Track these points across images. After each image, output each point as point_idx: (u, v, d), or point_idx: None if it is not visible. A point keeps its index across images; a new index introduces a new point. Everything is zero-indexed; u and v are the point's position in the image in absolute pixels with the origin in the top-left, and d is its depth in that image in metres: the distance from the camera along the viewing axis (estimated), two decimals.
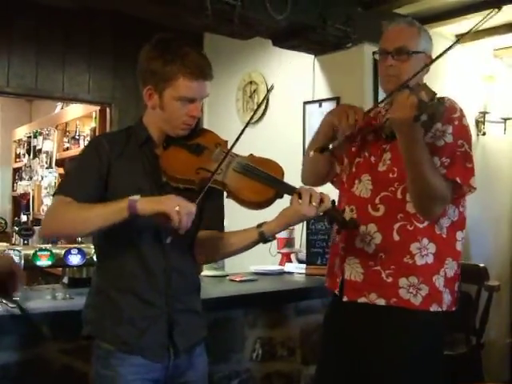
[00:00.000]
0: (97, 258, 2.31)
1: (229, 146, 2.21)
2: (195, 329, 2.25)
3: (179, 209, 1.91)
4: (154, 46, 2.16)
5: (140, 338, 2.12)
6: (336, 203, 2.22)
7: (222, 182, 2.14)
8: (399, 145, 2.21)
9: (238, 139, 2.14)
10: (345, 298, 2.40)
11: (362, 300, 2.36)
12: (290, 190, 2.14)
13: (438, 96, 2.12)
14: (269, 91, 2.20)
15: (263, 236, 2.17)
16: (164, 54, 2.12)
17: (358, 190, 2.43)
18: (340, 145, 2.42)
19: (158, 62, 2.11)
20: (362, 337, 2.38)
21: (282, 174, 2.20)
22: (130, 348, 2.11)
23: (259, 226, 2.18)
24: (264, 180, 2.14)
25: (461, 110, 2.34)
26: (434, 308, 2.31)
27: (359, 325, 2.39)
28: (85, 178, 2.14)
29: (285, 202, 2.18)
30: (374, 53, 2.51)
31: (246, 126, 2.18)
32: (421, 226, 2.31)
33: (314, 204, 2.08)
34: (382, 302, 2.32)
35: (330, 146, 2.41)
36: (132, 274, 2.14)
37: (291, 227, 4.05)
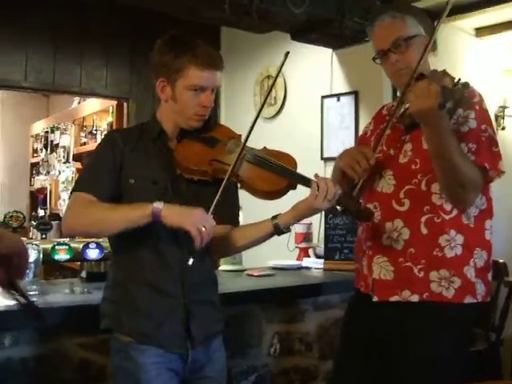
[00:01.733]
0: (112, 251, 2.33)
1: (242, 140, 2.22)
2: (211, 321, 2.26)
3: (202, 228, 1.98)
4: (165, 41, 2.22)
5: (157, 329, 2.13)
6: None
7: (235, 174, 2.15)
8: (424, 136, 2.17)
9: (251, 129, 2.16)
10: (375, 299, 2.35)
11: (394, 298, 2.30)
12: (304, 181, 2.13)
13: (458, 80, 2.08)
14: (285, 58, 2.21)
15: (278, 228, 2.18)
16: (175, 47, 2.18)
17: (380, 186, 2.38)
18: (362, 187, 2.33)
19: (169, 54, 2.17)
20: (392, 335, 2.33)
21: (295, 165, 2.20)
22: (148, 339, 2.13)
23: (274, 218, 2.19)
24: (277, 170, 2.15)
25: (480, 95, 2.29)
26: (468, 300, 2.26)
27: (390, 323, 2.33)
28: (101, 173, 2.19)
29: (299, 193, 2.17)
30: (373, 59, 2.44)
31: (262, 107, 2.25)
32: (447, 218, 2.26)
33: (328, 198, 2.09)
34: (415, 298, 2.27)
35: (354, 193, 2.31)
36: (147, 266, 2.16)
37: (308, 221, 4.05)
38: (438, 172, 2.20)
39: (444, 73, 2.11)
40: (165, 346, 2.14)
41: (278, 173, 2.14)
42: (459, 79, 2.06)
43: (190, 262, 2.01)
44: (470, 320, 2.36)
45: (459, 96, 2.02)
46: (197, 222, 1.99)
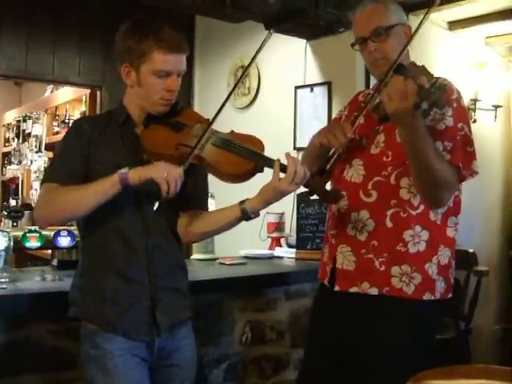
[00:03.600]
0: (80, 237, 2.33)
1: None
2: (178, 308, 2.25)
3: (167, 175, 1.99)
4: (128, 25, 2.21)
5: (123, 316, 2.13)
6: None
7: (199, 156, 2.14)
8: (399, 136, 2.16)
9: (218, 112, 2.15)
10: (336, 288, 2.35)
11: (353, 289, 2.31)
12: (270, 163, 2.11)
13: (434, 77, 2.08)
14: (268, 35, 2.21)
15: (245, 212, 2.14)
16: (138, 31, 2.16)
17: (349, 175, 2.37)
18: (335, 161, 2.31)
19: (132, 39, 2.16)
20: (353, 326, 2.34)
21: (262, 148, 2.18)
22: (112, 327, 2.12)
23: (241, 202, 2.16)
24: (243, 153, 2.13)
25: (458, 92, 2.28)
26: (426, 297, 2.26)
27: (351, 314, 2.35)
28: (68, 161, 2.19)
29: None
30: (352, 45, 2.43)
31: (232, 90, 2.31)
32: (414, 213, 2.26)
33: (295, 182, 2.06)
34: (374, 291, 2.27)
35: (328, 167, 2.28)
36: (114, 253, 2.16)
37: (280, 211, 4.07)
38: (412, 171, 2.19)
39: (422, 69, 2.10)
40: (130, 334, 2.14)
41: (244, 155, 2.12)
42: (436, 80, 2.05)
43: (155, 206, 2.05)
44: (428, 316, 2.34)
45: (435, 98, 1.99)
46: (161, 169, 2.01)
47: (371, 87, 2.55)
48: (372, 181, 2.31)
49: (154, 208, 2.04)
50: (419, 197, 2.26)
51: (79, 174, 2.15)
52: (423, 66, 2.13)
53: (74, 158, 2.17)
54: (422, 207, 2.27)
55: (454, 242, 2.37)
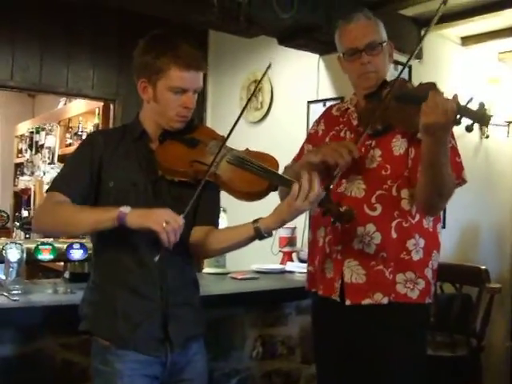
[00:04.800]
0: (93, 252, 2.33)
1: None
2: (191, 323, 2.24)
3: (166, 225, 1.94)
4: (146, 41, 2.21)
5: (134, 331, 2.12)
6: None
7: (214, 174, 2.13)
8: (424, 146, 2.15)
9: (232, 129, 2.14)
10: (347, 302, 2.36)
11: (366, 302, 2.34)
12: (285, 182, 2.10)
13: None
14: (267, 68, 2.21)
15: (259, 232, 2.11)
16: (156, 46, 2.16)
17: (349, 190, 2.39)
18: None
19: (150, 54, 2.15)
20: (366, 337, 2.36)
21: (277, 166, 2.17)
22: (124, 343, 2.11)
23: (255, 221, 2.13)
24: (258, 171, 2.11)
25: None
26: (427, 300, 2.37)
27: (363, 326, 2.37)
28: (77, 173, 2.18)
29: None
30: (343, 54, 2.47)
31: (244, 108, 2.28)
32: (413, 222, 2.35)
33: (310, 200, 2.04)
34: (386, 300, 2.32)
35: (331, 186, 2.32)
36: (126, 268, 2.15)
37: (292, 225, 4.06)
38: (424, 179, 2.22)
39: (432, 85, 2.15)
40: (141, 349, 2.12)
41: (259, 174, 2.11)
42: (471, 98, 2.07)
43: (156, 258, 1.98)
44: (428, 319, 2.48)
45: (481, 114, 2.02)
46: (160, 218, 1.95)
47: (348, 100, 2.62)
48: (375, 194, 2.36)
49: (155, 259, 1.98)
50: (415, 206, 2.34)
51: (83, 188, 2.15)
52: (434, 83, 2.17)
53: (82, 173, 2.17)
54: (417, 216, 2.36)
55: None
